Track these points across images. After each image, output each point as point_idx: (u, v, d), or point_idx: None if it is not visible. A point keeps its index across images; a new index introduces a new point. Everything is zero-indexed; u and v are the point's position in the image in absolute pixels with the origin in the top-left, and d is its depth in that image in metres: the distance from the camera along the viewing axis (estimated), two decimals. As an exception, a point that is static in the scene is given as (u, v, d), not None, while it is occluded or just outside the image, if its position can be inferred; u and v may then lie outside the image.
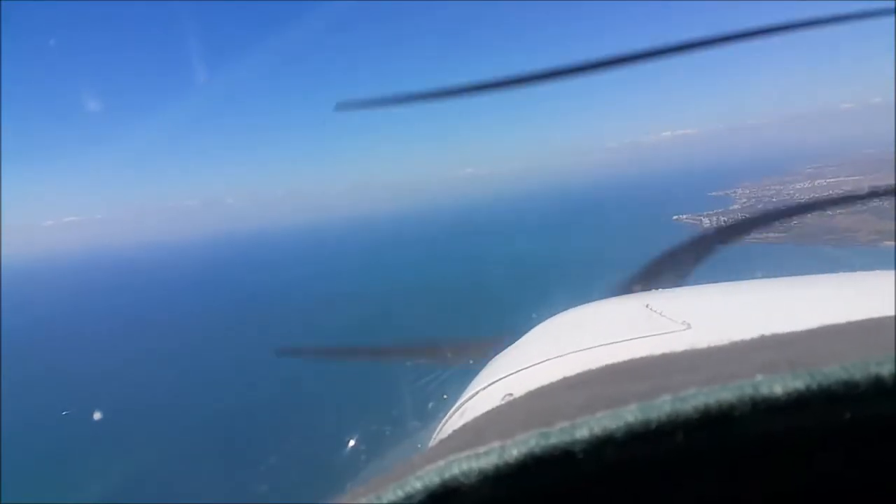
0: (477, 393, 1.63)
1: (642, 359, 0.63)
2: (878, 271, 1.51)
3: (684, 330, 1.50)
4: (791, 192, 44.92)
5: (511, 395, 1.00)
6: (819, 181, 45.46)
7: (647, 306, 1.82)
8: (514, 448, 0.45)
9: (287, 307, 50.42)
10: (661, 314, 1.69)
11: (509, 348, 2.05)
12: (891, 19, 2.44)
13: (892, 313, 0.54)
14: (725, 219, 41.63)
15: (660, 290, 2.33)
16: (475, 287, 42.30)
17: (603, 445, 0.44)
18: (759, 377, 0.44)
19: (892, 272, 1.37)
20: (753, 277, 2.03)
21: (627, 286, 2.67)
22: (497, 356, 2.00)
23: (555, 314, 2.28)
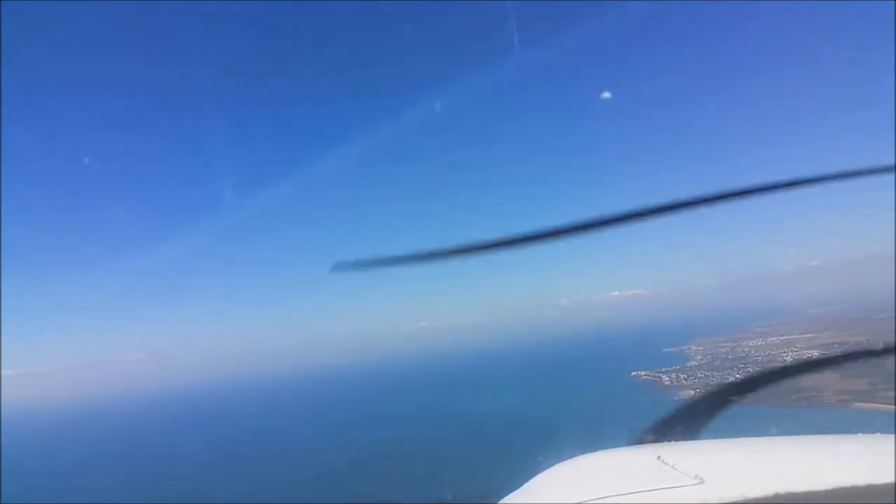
0: None
1: None
2: (880, 434, 1.49)
3: (697, 485, 1.38)
4: (744, 349, 46.16)
5: None
6: (771, 339, 46.88)
7: (658, 458, 1.77)
8: None
9: (252, 464, 48.93)
10: (673, 467, 1.63)
11: (514, 494, 1.98)
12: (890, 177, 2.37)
13: (892, 479, 0.56)
14: (685, 376, 42.15)
15: (672, 441, 2.19)
16: (437, 443, 42.22)
17: None
18: None
19: (893, 436, 1.36)
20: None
21: (639, 439, 2.47)
22: (502, 502, 1.95)
23: (560, 460, 2.19)
